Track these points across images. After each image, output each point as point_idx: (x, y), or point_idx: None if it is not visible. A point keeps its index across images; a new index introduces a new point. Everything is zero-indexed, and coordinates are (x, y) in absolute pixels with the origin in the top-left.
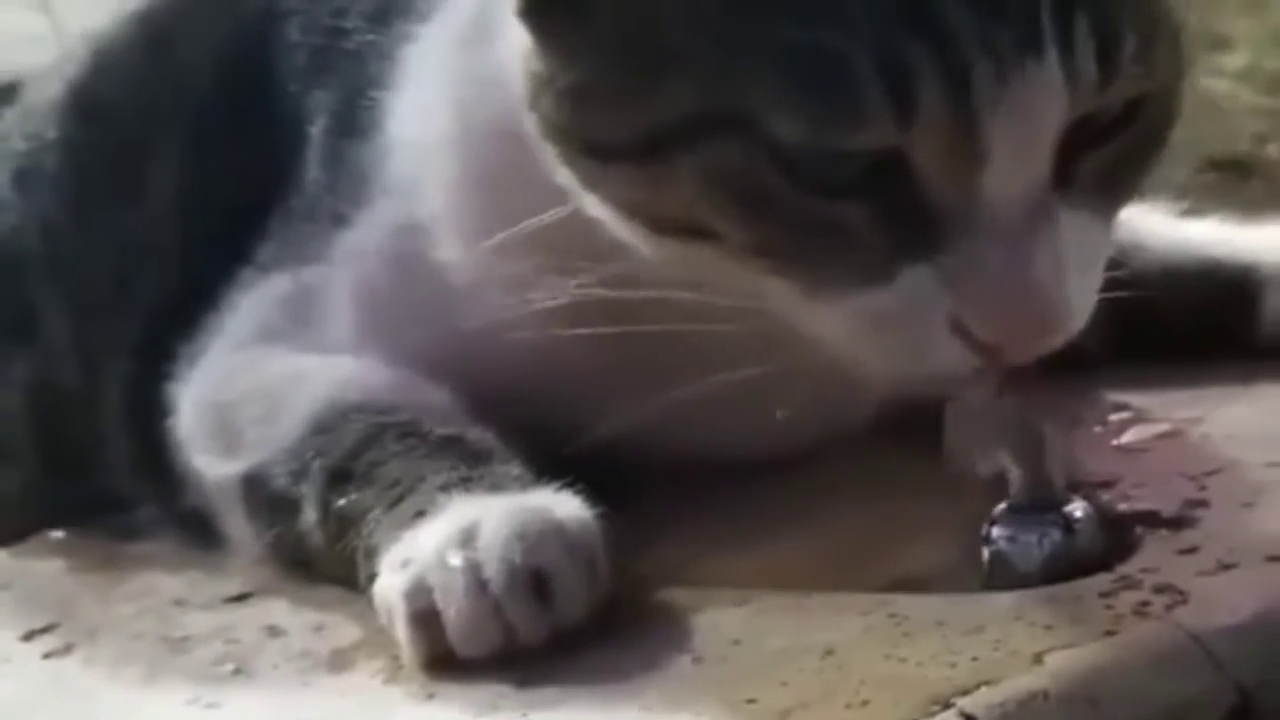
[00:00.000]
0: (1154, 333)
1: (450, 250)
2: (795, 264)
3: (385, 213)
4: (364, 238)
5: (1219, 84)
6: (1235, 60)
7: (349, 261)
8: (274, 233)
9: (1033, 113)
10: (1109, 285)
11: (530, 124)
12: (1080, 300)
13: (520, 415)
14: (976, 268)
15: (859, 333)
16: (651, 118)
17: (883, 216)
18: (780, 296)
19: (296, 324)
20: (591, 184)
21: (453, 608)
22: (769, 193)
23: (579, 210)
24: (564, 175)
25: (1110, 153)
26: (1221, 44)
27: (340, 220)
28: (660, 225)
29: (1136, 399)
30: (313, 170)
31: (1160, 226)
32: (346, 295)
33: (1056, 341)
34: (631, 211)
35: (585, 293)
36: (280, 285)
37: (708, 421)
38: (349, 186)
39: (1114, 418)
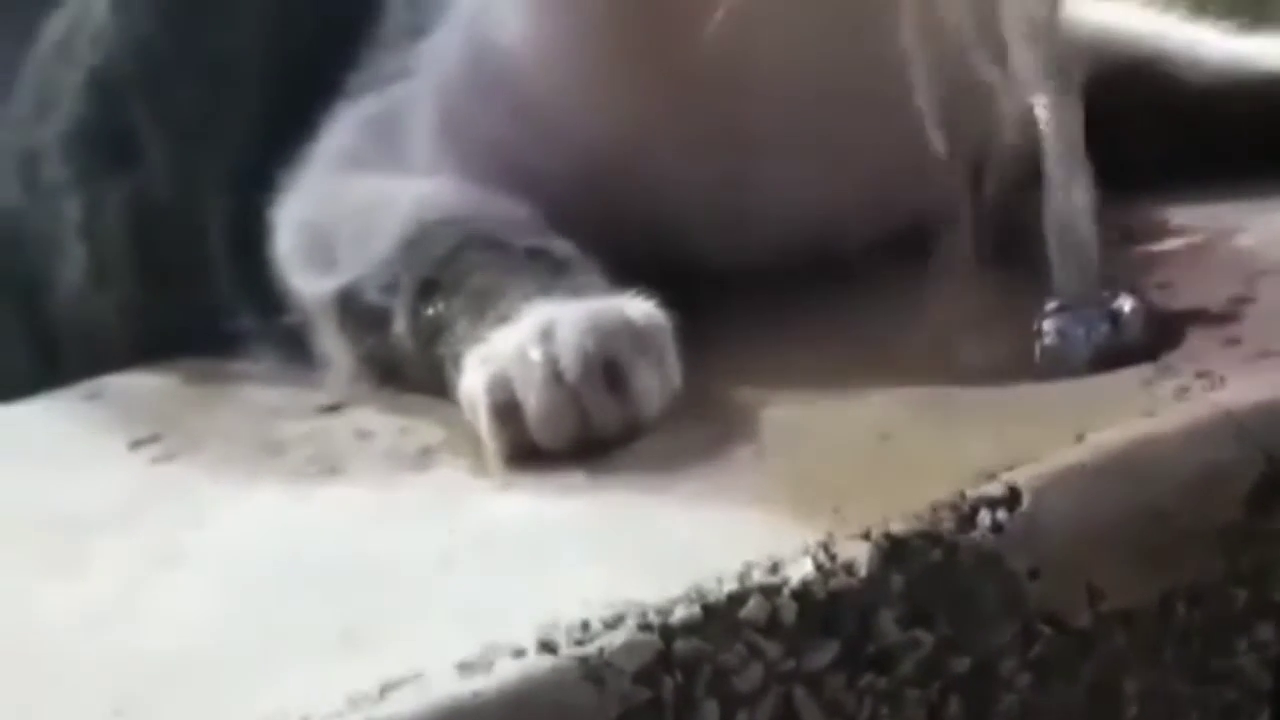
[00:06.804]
0: (1209, 147)
1: (517, 28)
2: None
3: (460, 12)
4: (443, 40)
5: None
6: None
7: (429, 64)
8: (363, 62)
9: None
10: (1159, 98)
11: None
12: None
13: (591, 223)
14: None
15: None
16: None
17: None
18: None
19: (381, 145)
20: None
21: (532, 397)
22: None
23: None
24: None
25: None
26: None
27: (420, 31)
28: None
29: (1184, 212)
30: None
31: (1216, 40)
32: (428, 98)
33: None
34: None
35: None
36: (368, 107)
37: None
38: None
39: (1162, 229)
